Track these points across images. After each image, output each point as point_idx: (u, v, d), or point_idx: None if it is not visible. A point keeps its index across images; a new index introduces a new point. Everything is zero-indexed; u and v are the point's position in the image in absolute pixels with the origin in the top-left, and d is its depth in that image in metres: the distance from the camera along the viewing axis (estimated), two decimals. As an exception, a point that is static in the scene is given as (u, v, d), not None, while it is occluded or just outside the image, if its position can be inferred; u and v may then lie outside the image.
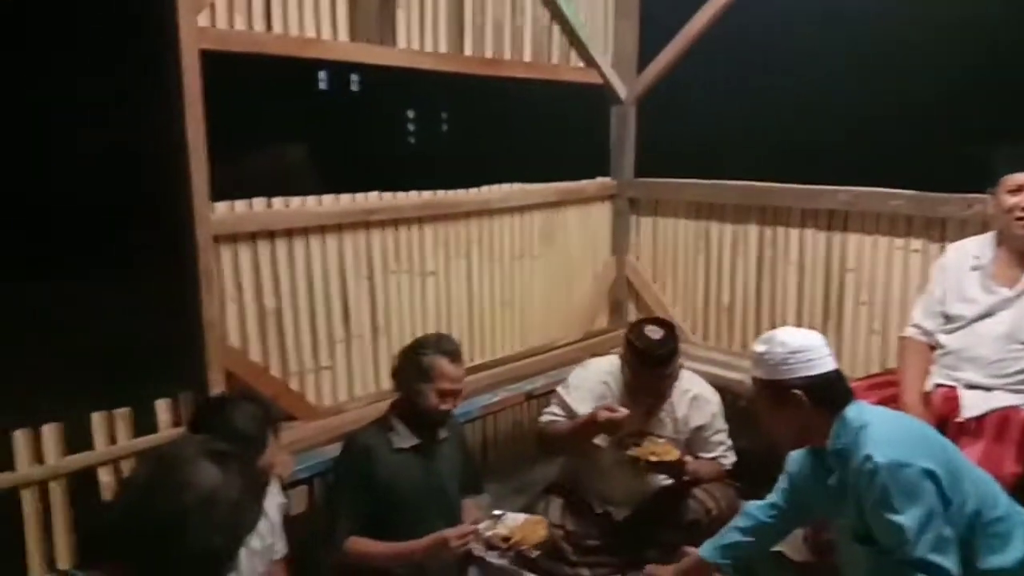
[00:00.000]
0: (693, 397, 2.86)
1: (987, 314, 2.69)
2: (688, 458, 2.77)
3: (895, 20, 3.10)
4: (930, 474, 1.83)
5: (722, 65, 3.55)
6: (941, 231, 3.13)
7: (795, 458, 2.26)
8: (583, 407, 2.80)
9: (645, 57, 3.97)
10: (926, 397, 2.73)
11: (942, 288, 2.82)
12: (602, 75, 3.90)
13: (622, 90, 3.98)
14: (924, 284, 3.14)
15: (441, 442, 2.63)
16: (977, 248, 2.78)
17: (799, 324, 3.57)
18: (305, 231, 2.96)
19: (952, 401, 2.68)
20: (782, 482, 2.30)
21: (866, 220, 3.33)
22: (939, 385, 2.75)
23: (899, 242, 3.25)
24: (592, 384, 2.85)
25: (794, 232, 3.57)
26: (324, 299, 3.07)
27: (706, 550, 2.37)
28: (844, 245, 3.42)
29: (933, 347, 2.84)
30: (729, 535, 2.36)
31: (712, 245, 3.88)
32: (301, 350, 3.02)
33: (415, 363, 2.50)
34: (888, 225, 3.27)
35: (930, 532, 1.81)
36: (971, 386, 2.68)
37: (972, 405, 2.62)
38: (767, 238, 3.67)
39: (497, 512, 2.57)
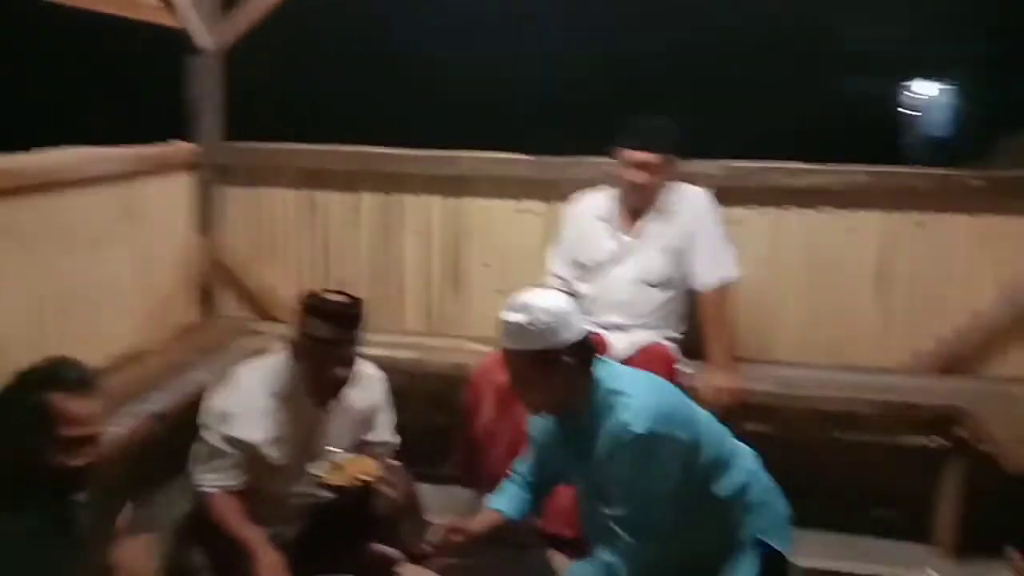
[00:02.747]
0: (359, 377, 2.61)
1: (615, 260, 2.99)
2: (393, 462, 2.52)
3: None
4: (680, 442, 1.94)
5: (336, 15, 3.20)
6: (559, 193, 3.35)
7: (537, 424, 2.21)
8: (256, 433, 2.32)
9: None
10: (577, 343, 2.95)
11: (573, 237, 3.05)
12: (178, 17, 3.22)
13: (204, 38, 3.34)
14: (543, 244, 3.38)
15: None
16: (601, 199, 3.05)
17: (425, 291, 3.54)
18: None
19: (598, 345, 2.93)
20: (530, 449, 2.25)
21: (488, 184, 3.41)
22: (587, 332, 3.00)
23: (519, 205, 3.41)
24: (258, 403, 2.36)
25: (414, 199, 3.48)
26: None
27: (498, 502, 2.26)
28: (467, 210, 3.45)
29: (572, 294, 3.07)
30: (511, 489, 2.27)
31: (320, 216, 3.56)
32: None
33: (20, 408, 1.75)
34: (510, 189, 3.40)
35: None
36: (613, 327, 2.98)
37: (620, 346, 2.91)
38: (384, 206, 3.51)
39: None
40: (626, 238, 2.99)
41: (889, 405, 2.85)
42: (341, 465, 2.35)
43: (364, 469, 2.38)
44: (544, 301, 1.97)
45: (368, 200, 3.52)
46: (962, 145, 11.47)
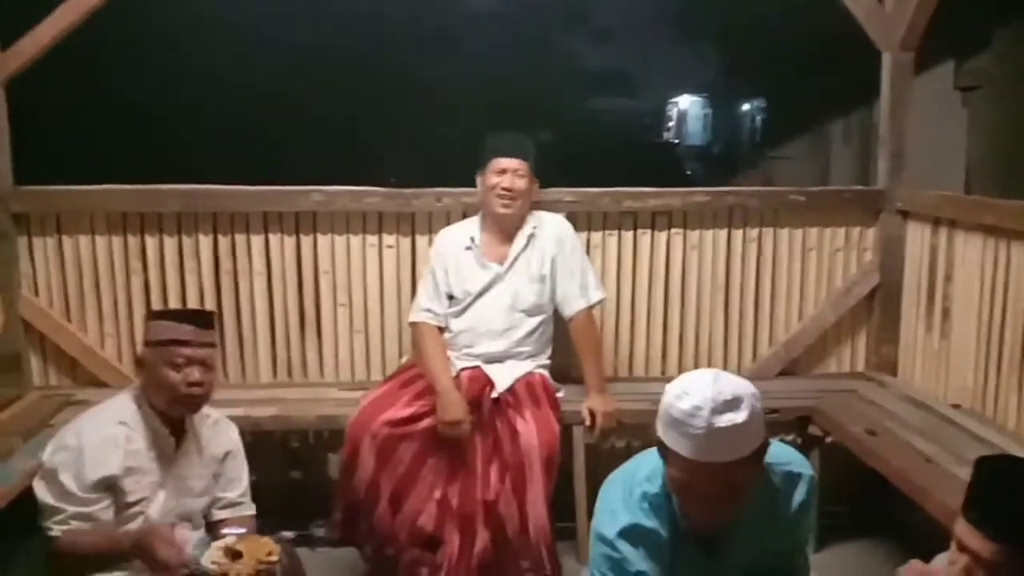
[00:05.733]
0: (214, 421, 2.39)
1: (486, 290, 2.95)
2: (286, 534, 2.30)
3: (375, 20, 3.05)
4: None
5: (140, 42, 2.89)
6: (412, 225, 3.25)
7: (639, 555, 1.68)
8: (104, 468, 2.11)
9: (15, 26, 2.93)
10: (455, 381, 2.86)
11: (443, 270, 2.98)
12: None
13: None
14: (400, 279, 3.27)
15: None
16: (467, 231, 3.01)
17: (273, 334, 3.27)
18: None
19: (478, 381, 2.87)
20: None
21: (337, 220, 3.22)
22: (463, 369, 2.92)
23: (372, 239, 3.25)
24: (109, 432, 2.16)
25: (256, 239, 3.21)
26: None
27: None
28: (315, 247, 3.24)
29: (442, 328, 2.99)
30: None
31: (151, 264, 3.18)
32: None
33: None
34: (360, 224, 3.24)
35: None
36: (490, 360, 2.92)
37: (501, 380, 2.86)
38: (223, 249, 3.21)
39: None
40: (494, 265, 2.96)
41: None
42: (238, 550, 2.08)
43: (265, 550, 2.12)
44: (735, 380, 1.57)
45: (202, 243, 3.20)
46: (729, 154, 12.71)
